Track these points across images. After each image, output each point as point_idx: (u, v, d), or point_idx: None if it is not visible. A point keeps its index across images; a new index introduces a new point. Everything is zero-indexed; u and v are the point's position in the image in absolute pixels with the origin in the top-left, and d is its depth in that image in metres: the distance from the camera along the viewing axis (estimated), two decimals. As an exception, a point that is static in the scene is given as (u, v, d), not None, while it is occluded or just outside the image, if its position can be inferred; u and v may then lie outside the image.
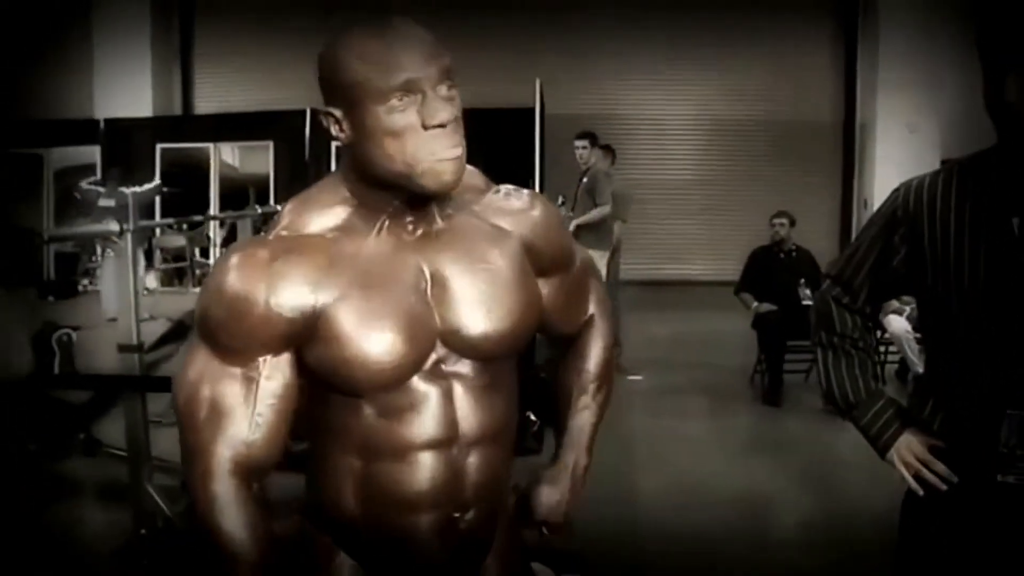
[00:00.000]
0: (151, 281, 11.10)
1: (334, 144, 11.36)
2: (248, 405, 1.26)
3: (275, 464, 1.33)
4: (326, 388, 1.29)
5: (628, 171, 9.86)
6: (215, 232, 11.70)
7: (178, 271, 11.83)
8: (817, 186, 12.28)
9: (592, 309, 1.61)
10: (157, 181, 9.96)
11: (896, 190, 1.67)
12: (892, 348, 6.52)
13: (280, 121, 11.44)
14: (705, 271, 10.80)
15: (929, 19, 9.90)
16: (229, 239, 11.16)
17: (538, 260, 1.42)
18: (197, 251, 11.85)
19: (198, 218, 9.61)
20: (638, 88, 12.31)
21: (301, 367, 1.28)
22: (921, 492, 1.63)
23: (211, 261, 11.69)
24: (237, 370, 1.25)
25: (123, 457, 3.86)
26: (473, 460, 1.34)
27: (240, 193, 11.32)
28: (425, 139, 1.20)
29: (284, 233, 1.27)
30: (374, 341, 1.23)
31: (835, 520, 4.01)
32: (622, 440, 5.23)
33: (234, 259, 1.25)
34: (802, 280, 6.22)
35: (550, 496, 1.52)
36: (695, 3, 11.92)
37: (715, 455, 4.99)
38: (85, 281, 11.03)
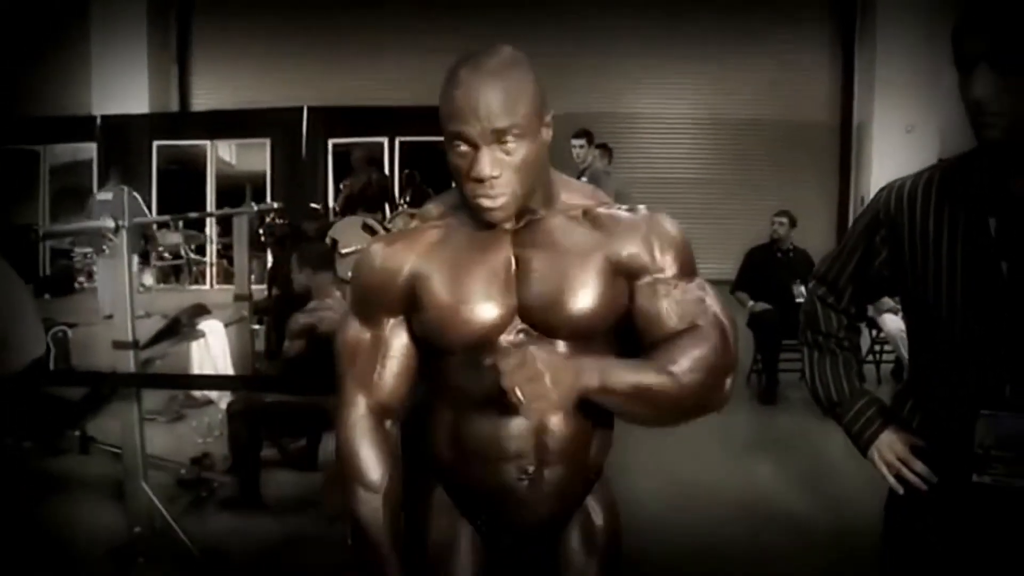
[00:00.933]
0: (148, 278, 11.12)
1: (331, 142, 11.29)
2: (377, 356, 1.58)
3: (402, 406, 1.61)
4: (429, 349, 1.56)
5: (626, 170, 9.87)
6: (211, 229, 11.70)
7: (175, 268, 11.83)
8: (815, 185, 12.28)
9: (700, 322, 1.54)
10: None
11: (880, 191, 1.67)
12: (888, 347, 6.53)
13: (277, 118, 11.44)
14: (702, 270, 10.77)
15: (927, 19, 9.90)
16: (225, 236, 11.17)
17: (632, 264, 1.53)
18: (193, 248, 11.84)
19: (194, 215, 9.60)
20: (636, 87, 12.31)
21: (413, 333, 1.57)
22: (901, 491, 1.63)
23: (207, 259, 11.70)
24: (369, 330, 1.58)
25: (118, 454, 3.86)
26: (554, 422, 1.53)
27: (237, 190, 11.31)
28: (470, 183, 1.44)
29: (414, 223, 1.62)
30: (458, 307, 1.49)
31: (830, 517, 4.01)
32: (617, 437, 5.23)
33: (372, 247, 1.61)
34: (798, 280, 6.21)
35: (521, 353, 1.34)
36: (693, 3, 11.93)
37: (710, 452, 4.99)
38: (82, 278, 11.06)
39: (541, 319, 1.50)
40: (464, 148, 1.41)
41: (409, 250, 1.55)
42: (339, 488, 1.61)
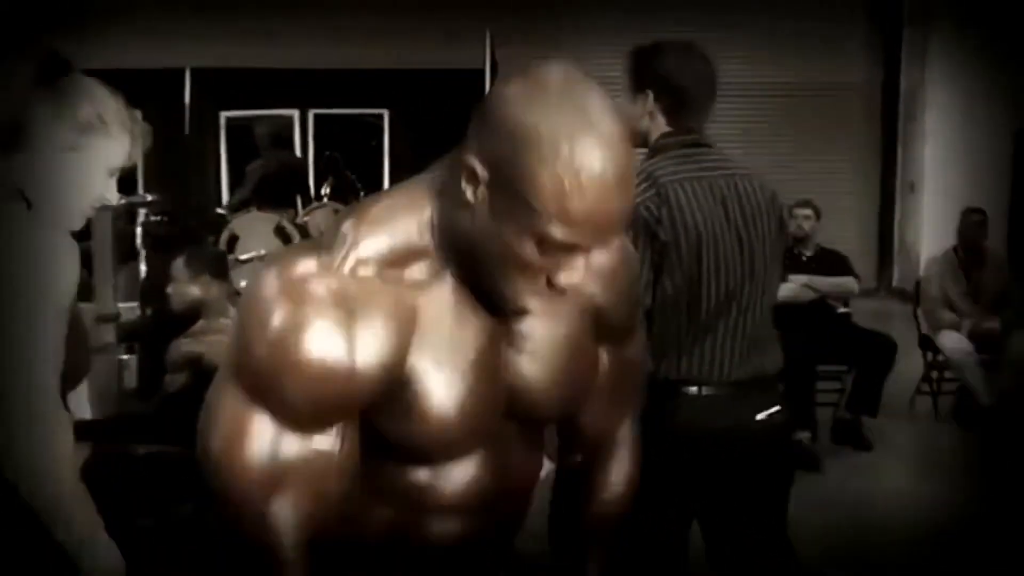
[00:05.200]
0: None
1: (223, 115, 11.11)
2: (319, 478, 1.37)
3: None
4: (384, 448, 1.43)
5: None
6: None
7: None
8: (849, 167, 12.28)
9: (626, 430, 1.75)
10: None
11: None
12: (948, 375, 6.50)
13: (151, 84, 11.25)
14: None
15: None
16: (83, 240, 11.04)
17: (601, 321, 1.57)
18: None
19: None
20: (608, 50, 12.32)
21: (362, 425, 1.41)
22: None
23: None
24: (311, 439, 1.36)
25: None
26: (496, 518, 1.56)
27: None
28: (538, 283, 1.34)
29: (357, 266, 1.34)
30: (458, 417, 1.40)
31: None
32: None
33: (301, 297, 1.31)
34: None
35: None
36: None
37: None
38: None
39: (529, 409, 1.52)
40: (553, 252, 1.30)
41: (384, 319, 1.35)
42: None
